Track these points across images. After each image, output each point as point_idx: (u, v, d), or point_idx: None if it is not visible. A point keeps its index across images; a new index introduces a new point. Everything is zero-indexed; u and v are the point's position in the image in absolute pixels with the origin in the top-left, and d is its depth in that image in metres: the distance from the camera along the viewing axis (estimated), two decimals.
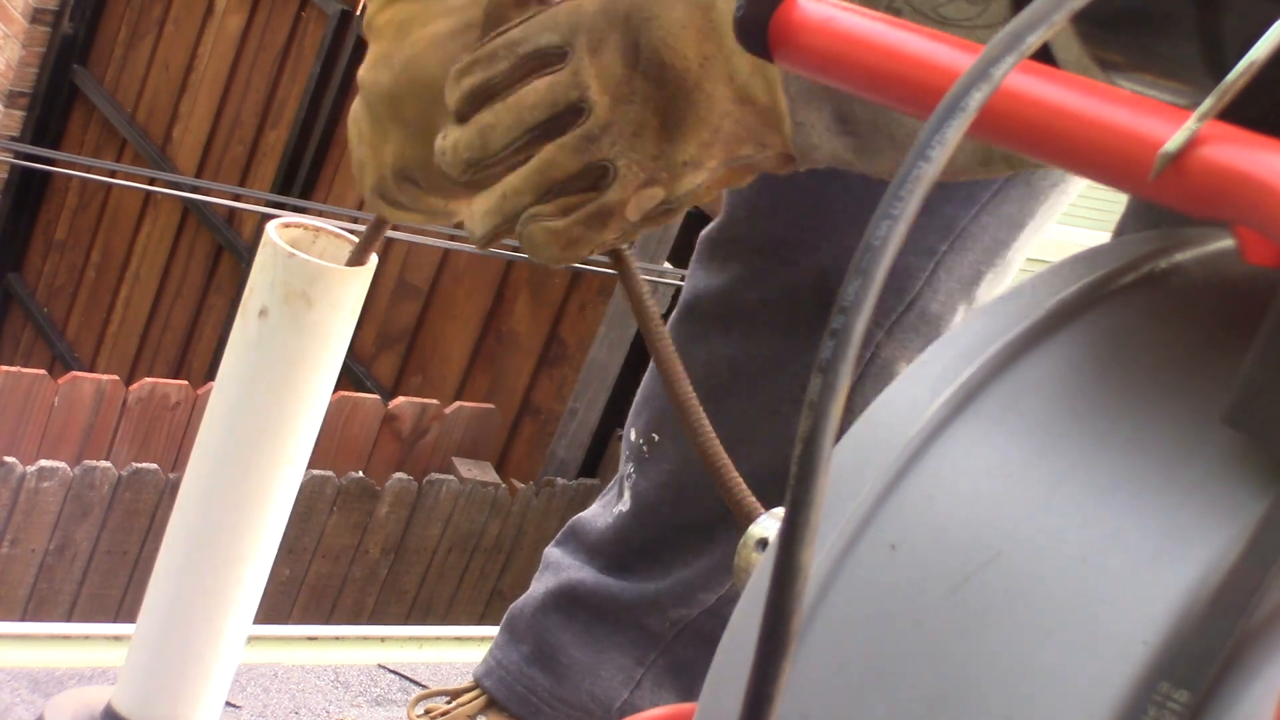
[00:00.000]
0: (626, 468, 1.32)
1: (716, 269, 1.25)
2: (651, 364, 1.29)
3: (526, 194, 0.79)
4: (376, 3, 0.92)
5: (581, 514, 1.36)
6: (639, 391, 1.34)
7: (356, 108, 0.93)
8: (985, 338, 0.52)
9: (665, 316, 1.00)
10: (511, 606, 1.36)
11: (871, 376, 1.21)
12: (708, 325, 1.26)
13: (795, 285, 1.21)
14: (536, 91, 0.78)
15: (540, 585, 1.34)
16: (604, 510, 1.34)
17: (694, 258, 1.29)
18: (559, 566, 1.33)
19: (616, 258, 0.87)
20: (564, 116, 0.77)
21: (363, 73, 0.92)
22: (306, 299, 1.02)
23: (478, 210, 0.81)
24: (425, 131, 0.86)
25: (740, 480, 0.80)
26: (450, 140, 0.81)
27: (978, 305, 1.21)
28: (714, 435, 0.82)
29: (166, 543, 1.11)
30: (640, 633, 1.29)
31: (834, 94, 0.74)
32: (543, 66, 0.78)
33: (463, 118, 0.81)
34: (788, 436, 1.24)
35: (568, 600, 1.31)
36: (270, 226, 1.05)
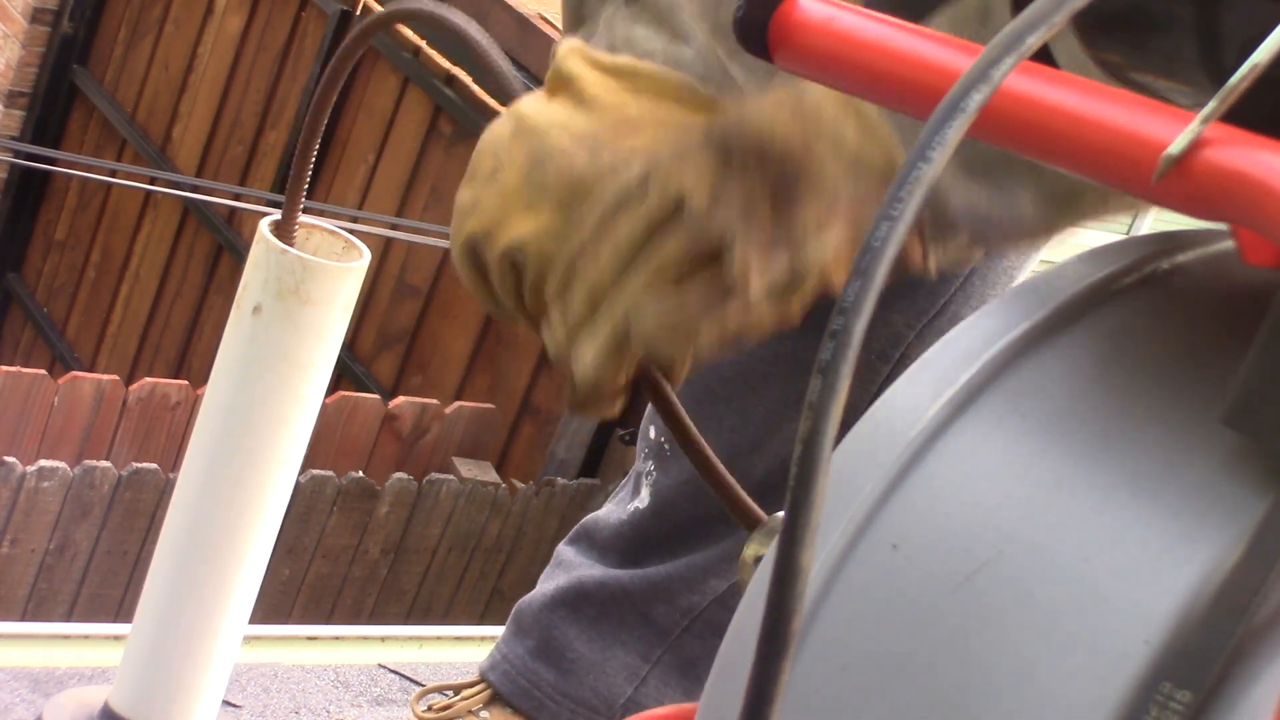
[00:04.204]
0: (646, 465, 1.31)
1: None
2: None
3: (629, 297, 0.70)
4: (591, 58, 0.78)
5: (594, 513, 1.36)
6: None
7: (509, 139, 0.76)
8: (987, 338, 0.52)
9: None
10: (519, 602, 1.36)
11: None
12: None
13: None
14: (629, 219, 0.70)
15: (550, 582, 1.34)
16: (618, 507, 1.34)
17: None
18: (570, 564, 1.33)
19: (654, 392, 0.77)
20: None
21: (547, 119, 0.76)
22: (300, 295, 1.03)
23: (584, 354, 0.72)
24: (567, 228, 0.74)
25: (739, 489, 0.80)
26: (555, 330, 0.72)
27: None
28: (709, 450, 0.81)
29: (162, 541, 1.11)
30: (647, 628, 1.29)
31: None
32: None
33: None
34: (793, 434, 1.23)
35: (575, 596, 1.31)
36: (264, 224, 1.05)
